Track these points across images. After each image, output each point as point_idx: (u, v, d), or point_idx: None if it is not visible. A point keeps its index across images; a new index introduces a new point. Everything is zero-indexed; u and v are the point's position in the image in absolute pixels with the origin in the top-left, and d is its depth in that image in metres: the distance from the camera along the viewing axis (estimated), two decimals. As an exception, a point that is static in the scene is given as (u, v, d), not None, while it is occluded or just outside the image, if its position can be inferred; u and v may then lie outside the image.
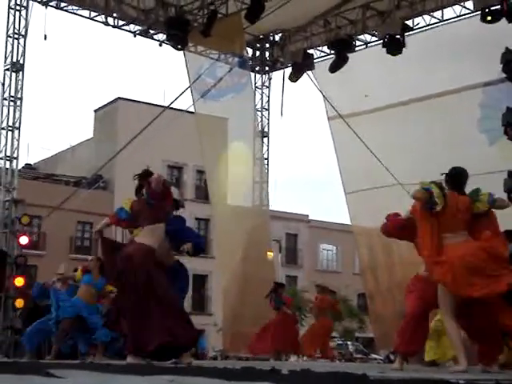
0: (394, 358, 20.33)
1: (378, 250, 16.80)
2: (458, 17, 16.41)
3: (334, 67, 17.00)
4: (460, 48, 15.74)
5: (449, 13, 16.57)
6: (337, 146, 18.16)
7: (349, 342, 34.44)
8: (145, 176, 7.40)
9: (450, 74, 15.81)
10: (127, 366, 6.21)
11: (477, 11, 15.26)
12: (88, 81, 79.30)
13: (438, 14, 16.69)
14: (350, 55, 16.99)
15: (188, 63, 18.25)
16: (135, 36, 18.07)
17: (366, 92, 16.84)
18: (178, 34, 16.73)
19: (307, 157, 76.22)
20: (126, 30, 17.97)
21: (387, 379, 4.74)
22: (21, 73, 16.12)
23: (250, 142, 19.67)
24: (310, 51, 18.49)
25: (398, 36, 15.89)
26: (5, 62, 16.09)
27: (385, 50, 15.99)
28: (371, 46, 17.93)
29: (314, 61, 18.38)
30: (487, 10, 14.71)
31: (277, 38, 19.62)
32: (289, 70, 18.62)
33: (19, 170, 17.05)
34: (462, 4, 16.21)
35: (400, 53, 15.86)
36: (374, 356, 31.58)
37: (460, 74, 15.64)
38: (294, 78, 18.28)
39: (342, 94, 17.73)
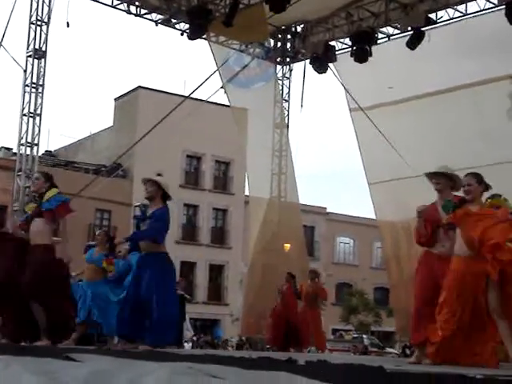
0: (409, 352, 20.29)
1: (401, 241, 16.82)
2: (481, 11, 16.28)
3: (359, 59, 16.90)
4: (485, 41, 15.61)
5: (472, 7, 16.47)
6: (359, 137, 18.14)
7: (364, 336, 34.37)
8: None
9: (476, 65, 15.70)
10: (145, 352, 6.24)
11: (501, 5, 15.13)
12: (109, 69, 79.51)
13: (461, 7, 16.58)
14: (373, 47, 16.92)
15: (214, 52, 18.30)
16: (157, 25, 18.13)
17: (389, 84, 16.77)
18: (200, 24, 16.74)
19: (327, 149, 76.06)
20: (148, 19, 18.03)
21: (403, 372, 4.73)
22: (43, 60, 16.21)
23: (270, 132, 19.71)
24: (332, 43, 18.43)
25: (419, 29, 15.81)
26: (27, 48, 16.19)
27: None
28: (393, 38, 17.84)
29: (336, 53, 18.33)
30: (512, 5, 14.58)
31: (298, 29, 19.54)
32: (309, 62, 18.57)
33: (39, 157, 17.14)
34: (485, -2, 16.09)
35: (418, 45, 15.77)
36: (389, 350, 31.52)
37: (486, 65, 15.55)
38: (321, 70, 18.14)
39: (365, 86, 17.68)
